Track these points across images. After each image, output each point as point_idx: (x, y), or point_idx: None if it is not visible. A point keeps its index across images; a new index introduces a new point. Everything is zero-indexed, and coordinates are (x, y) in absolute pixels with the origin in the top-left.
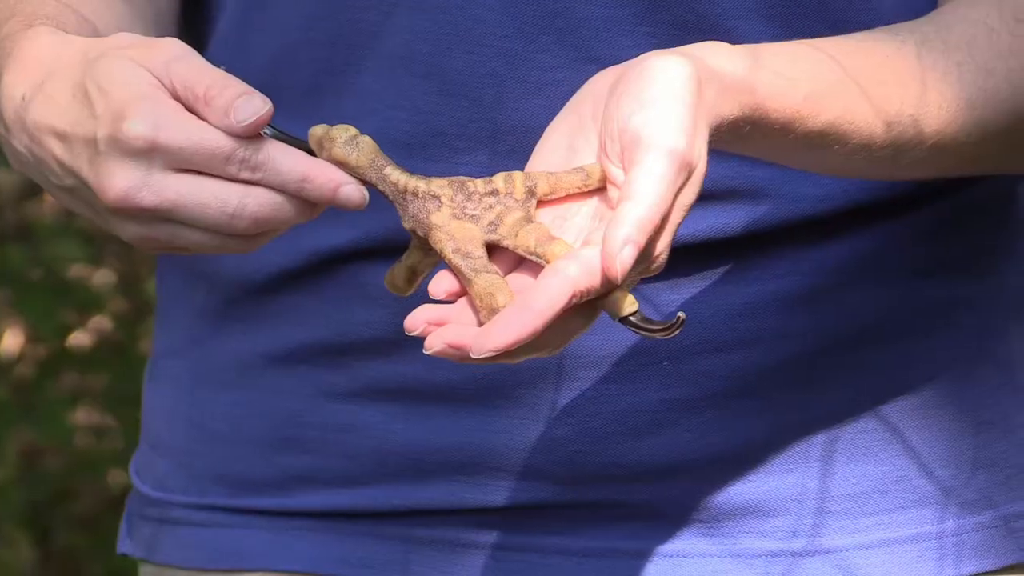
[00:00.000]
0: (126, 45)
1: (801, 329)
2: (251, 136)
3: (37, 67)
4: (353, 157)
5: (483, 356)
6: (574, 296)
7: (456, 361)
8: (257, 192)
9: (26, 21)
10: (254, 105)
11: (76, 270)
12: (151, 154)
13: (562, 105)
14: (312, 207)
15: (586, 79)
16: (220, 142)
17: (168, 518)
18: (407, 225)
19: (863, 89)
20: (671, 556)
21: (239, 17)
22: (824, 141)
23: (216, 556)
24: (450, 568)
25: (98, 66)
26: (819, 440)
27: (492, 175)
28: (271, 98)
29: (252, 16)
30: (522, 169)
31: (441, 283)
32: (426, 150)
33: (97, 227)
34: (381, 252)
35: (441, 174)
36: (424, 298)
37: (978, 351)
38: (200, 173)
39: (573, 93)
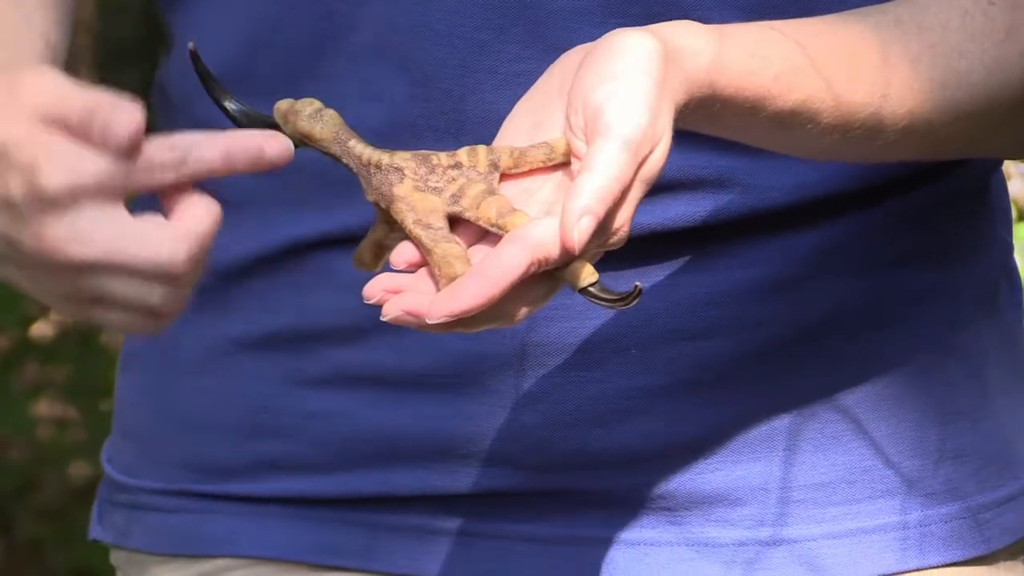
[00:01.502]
0: None
1: (770, 318)
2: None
3: None
4: (317, 130)
5: (438, 321)
6: (532, 264)
7: (415, 328)
8: None
9: None
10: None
11: None
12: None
13: None
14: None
15: None
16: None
17: (138, 504)
18: (371, 198)
19: (834, 69)
20: (638, 544)
21: (214, 2)
22: (796, 120)
23: (185, 542)
24: (418, 555)
25: None
26: (785, 429)
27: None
28: (243, 86)
29: (227, 1)
30: None
31: (402, 253)
32: (397, 141)
33: None
34: (352, 240)
35: None
36: None
37: (947, 342)
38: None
39: None
